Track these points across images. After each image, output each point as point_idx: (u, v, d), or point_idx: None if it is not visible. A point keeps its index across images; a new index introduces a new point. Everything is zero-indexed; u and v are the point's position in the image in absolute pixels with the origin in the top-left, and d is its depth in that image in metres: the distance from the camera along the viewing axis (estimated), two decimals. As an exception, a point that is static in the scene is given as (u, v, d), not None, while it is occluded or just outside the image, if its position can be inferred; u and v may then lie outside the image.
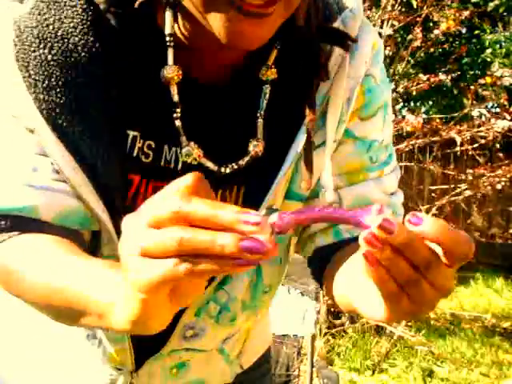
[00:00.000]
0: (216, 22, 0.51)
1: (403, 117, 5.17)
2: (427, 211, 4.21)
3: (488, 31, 5.54)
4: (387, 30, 3.59)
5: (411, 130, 3.74)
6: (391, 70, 4.19)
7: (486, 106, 4.23)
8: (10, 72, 0.55)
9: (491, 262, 5.88)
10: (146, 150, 0.61)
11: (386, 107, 0.69)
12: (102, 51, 0.56)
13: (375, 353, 3.44)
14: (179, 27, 0.58)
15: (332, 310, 3.47)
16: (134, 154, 0.60)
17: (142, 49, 0.59)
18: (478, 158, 4.56)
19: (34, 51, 0.54)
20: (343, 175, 0.68)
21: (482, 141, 3.84)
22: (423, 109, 6.53)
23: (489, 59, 5.35)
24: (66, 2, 0.55)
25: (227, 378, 0.84)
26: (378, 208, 0.42)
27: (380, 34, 3.67)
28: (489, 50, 5.38)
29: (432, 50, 4.25)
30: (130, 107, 0.59)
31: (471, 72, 5.71)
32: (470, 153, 3.95)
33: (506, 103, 4.05)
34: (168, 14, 0.56)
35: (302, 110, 0.61)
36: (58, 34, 0.54)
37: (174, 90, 0.58)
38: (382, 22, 3.60)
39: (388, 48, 3.72)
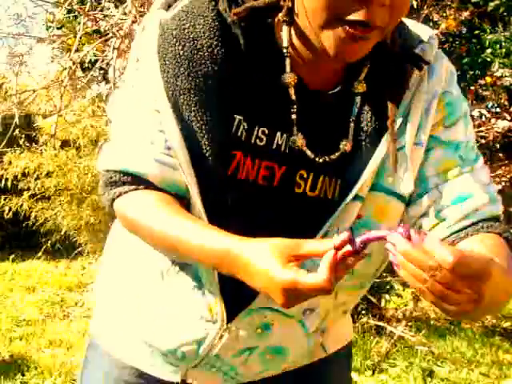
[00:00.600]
0: (328, 41, 0.68)
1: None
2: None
3: (488, 31, 5.53)
4: (387, 30, 3.60)
5: (411, 130, 3.74)
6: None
7: (486, 106, 4.23)
8: (152, 60, 0.73)
9: (491, 261, 5.88)
10: (260, 135, 0.75)
11: (465, 116, 0.82)
12: (224, 53, 0.72)
13: (375, 353, 3.44)
14: (292, 40, 0.74)
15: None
16: (239, 134, 0.75)
17: (260, 55, 0.74)
18: (478, 157, 4.55)
19: (171, 46, 0.72)
20: (440, 174, 0.79)
21: (482, 141, 3.84)
22: (423, 109, 6.53)
23: (489, 59, 5.34)
24: (200, 13, 0.72)
25: (305, 355, 0.89)
26: (404, 230, 0.57)
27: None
28: (489, 50, 5.38)
29: (432, 49, 4.24)
30: (248, 100, 0.74)
31: (471, 72, 5.70)
32: (470, 153, 3.94)
33: (506, 103, 4.05)
34: (285, 30, 0.72)
35: (387, 118, 0.75)
36: (190, 36, 0.72)
37: (291, 91, 0.74)
38: (382, 22, 3.61)
39: (388, 48, 3.73)
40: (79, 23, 2.32)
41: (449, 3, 3.82)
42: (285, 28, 0.72)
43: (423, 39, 0.81)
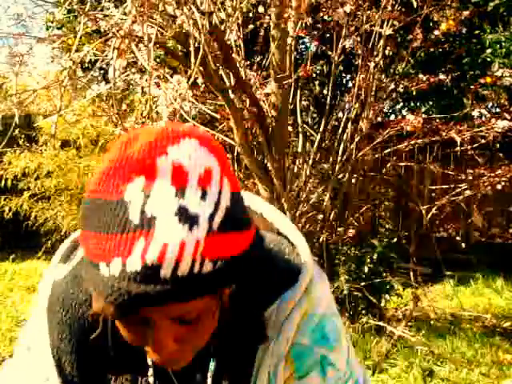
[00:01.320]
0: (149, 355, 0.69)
1: (403, 117, 5.17)
2: (427, 211, 4.21)
3: (488, 31, 5.54)
4: (387, 30, 3.59)
5: (411, 130, 3.74)
6: (391, 70, 4.19)
7: (486, 106, 4.23)
8: (42, 320, 0.80)
9: (491, 262, 5.88)
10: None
11: (323, 360, 0.78)
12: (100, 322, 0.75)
13: (375, 353, 3.44)
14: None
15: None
16: None
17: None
18: (477, 158, 4.56)
19: (57, 311, 0.79)
20: None
21: (482, 141, 3.84)
22: (423, 109, 6.52)
23: (489, 59, 5.34)
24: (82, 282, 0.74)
25: None
26: None
27: (380, 33, 3.68)
28: (489, 50, 5.38)
29: (432, 49, 4.24)
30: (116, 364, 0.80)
31: (471, 72, 5.70)
32: (470, 153, 3.95)
33: (506, 103, 4.05)
34: None
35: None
36: (73, 303, 0.78)
37: (150, 371, 0.79)
38: (382, 21, 3.61)
39: (388, 48, 3.72)
40: (79, 23, 2.32)
41: (449, 3, 3.81)
42: None
43: (277, 295, 0.76)
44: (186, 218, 0.56)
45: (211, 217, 0.57)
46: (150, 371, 0.79)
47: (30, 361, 0.81)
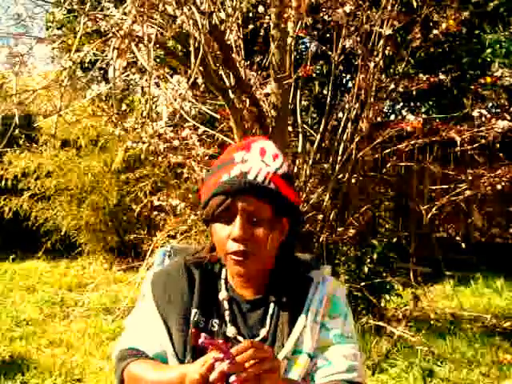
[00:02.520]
0: (228, 267, 1.15)
1: (403, 117, 5.16)
2: (427, 211, 4.21)
3: (488, 31, 5.54)
4: (387, 30, 3.59)
5: (411, 130, 3.74)
6: (391, 70, 4.19)
7: (486, 106, 4.23)
8: (148, 293, 1.20)
9: (491, 262, 5.88)
10: (213, 323, 1.16)
11: (346, 314, 1.18)
12: (188, 286, 1.18)
13: (375, 353, 3.44)
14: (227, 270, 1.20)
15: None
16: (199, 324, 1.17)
17: (208, 282, 1.19)
18: (477, 158, 4.56)
19: (156, 288, 1.20)
20: (320, 348, 1.14)
21: (482, 141, 3.84)
22: (423, 109, 6.52)
23: (489, 59, 5.34)
24: (173, 273, 1.21)
25: None
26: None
27: (380, 33, 3.68)
28: (489, 50, 5.38)
29: (432, 49, 4.25)
30: (202, 305, 1.16)
31: (471, 72, 5.71)
32: (470, 153, 3.95)
33: (506, 103, 4.05)
34: (223, 270, 1.21)
35: (296, 310, 1.14)
36: (166, 283, 1.20)
37: (225, 304, 1.16)
38: (382, 21, 3.60)
39: (388, 48, 3.72)
40: (79, 23, 2.32)
41: (449, 3, 3.82)
42: (220, 266, 1.21)
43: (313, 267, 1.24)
44: (264, 162, 1.09)
45: (277, 168, 1.10)
46: (226, 305, 1.16)
47: (144, 305, 1.20)
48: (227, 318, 1.15)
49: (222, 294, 1.17)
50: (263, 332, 1.13)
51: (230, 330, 1.13)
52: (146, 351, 1.15)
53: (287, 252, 1.19)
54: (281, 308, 1.14)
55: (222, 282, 1.19)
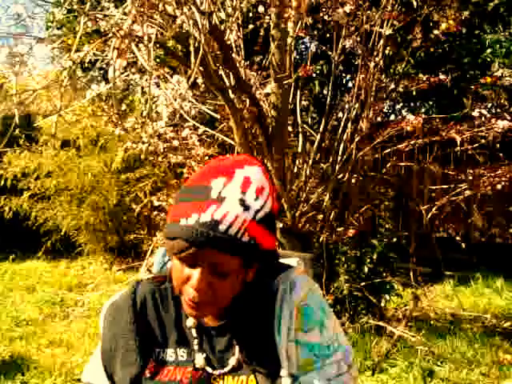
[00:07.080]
0: (183, 304, 1.01)
1: (403, 117, 5.16)
2: (427, 211, 4.21)
3: (488, 31, 5.54)
4: (387, 30, 3.59)
5: (411, 130, 3.74)
6: (391, 70, 4.19)
7: (486, 106, 4.23)
8: (100, 343, 1.12)
9: (491, 262, 5.88)
10: (181, 353, 1.07)
11: (322, 322, 1.03)
12: (136, 323, 1.08)
13: (375, 353, 3.44)
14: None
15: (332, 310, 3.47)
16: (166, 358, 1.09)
17: (167, 310, 1.10)
18: (478, 157, 4.56)
19: (104, 329, 1.12)
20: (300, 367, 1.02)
21: (482, 141, 3.84)
22: (423, 109, 6.52)
23: (489, 59, 5.34)
24: (122, 307, 1.11)
25: None
26: None
27: (380, 33, 3.67)
28: (489, 50, 5.38)
29: (432, 49, 4.24)
30: (161, 339, 1.09)
31: (471, 72, 5.71)
32: (470, 153, 3.95)
33: (506, 103, 4.05)
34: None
35: (265, 334, 1.02)
36: (113, 321, 1.10)
37: (193, 332, 1.06)
38: (382, 21, 3.60)
39: (388, 48, 3.72)
40: (79, 23, 2.32)
41: (449, 3, 3.81)
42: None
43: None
44: (243, 205, 0.93)
45: (257, 211, 0.94)
46: (194, 333, 1.06)
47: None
48: (195, 348, 1.06)
49: (190, 322, 1.07)
50: (233, 361, 1.04)
51: (199, 361, 1.05)
52: None
53: (257, 278, 1.05)
54: (248, 332, 1.04)
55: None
